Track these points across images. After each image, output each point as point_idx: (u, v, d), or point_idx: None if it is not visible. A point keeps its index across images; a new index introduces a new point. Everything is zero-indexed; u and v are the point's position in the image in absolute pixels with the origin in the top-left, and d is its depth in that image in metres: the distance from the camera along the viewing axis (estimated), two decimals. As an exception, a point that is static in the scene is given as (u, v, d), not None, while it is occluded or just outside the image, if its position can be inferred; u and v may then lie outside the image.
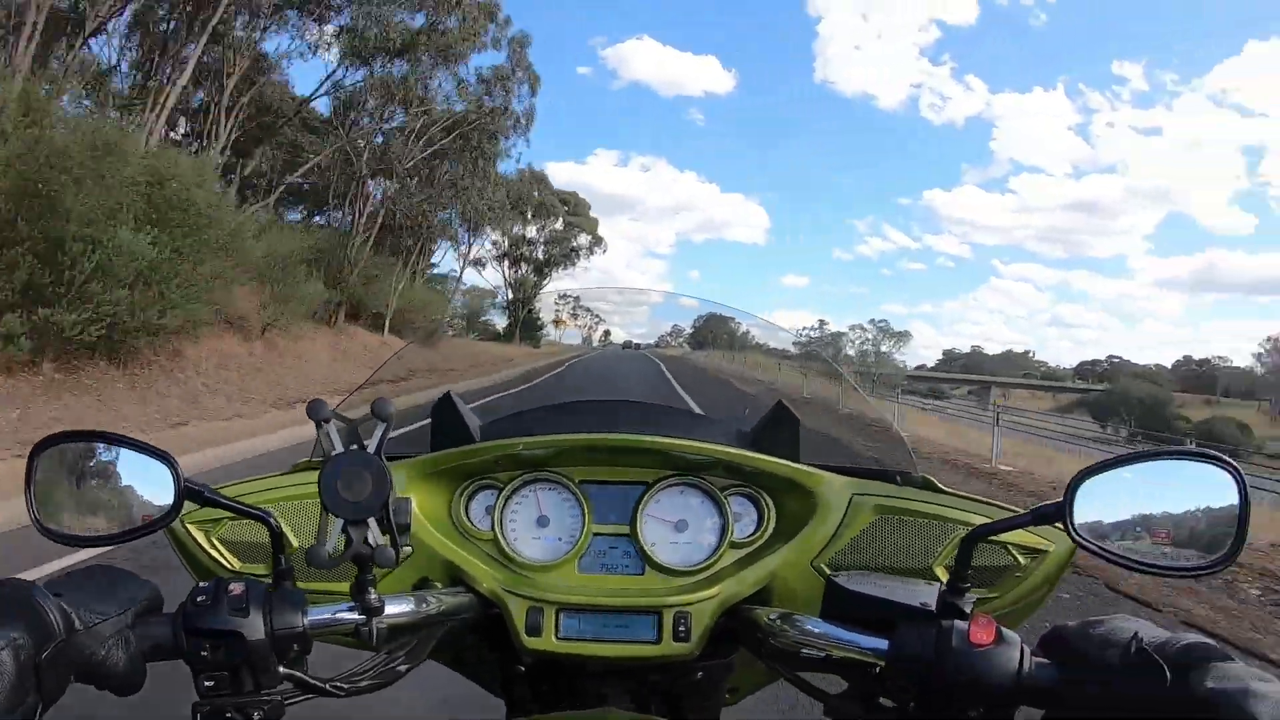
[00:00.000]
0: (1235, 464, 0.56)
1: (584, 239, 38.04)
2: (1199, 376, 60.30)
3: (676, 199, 78.91)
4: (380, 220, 19.54)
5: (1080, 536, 0.56)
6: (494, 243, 36.40)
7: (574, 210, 37.71)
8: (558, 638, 0.70)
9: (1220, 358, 62.75)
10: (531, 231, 37.15)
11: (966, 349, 68.85)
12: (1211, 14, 68.06)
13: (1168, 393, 54.55)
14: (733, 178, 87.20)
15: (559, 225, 37.25)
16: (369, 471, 0.55)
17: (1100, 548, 0.57)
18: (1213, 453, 0.57)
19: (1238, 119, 63.20)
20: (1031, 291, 73.45)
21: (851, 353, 57.73)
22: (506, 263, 37.06)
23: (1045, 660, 0.55)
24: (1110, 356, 66.89)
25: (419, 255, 24.21)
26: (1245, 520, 0.55)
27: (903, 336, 60.32)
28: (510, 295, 34.88)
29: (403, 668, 0.64)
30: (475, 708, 0.87)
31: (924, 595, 0.59)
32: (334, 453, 0.55)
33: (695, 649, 0.70)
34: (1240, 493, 0.56)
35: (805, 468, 0.80)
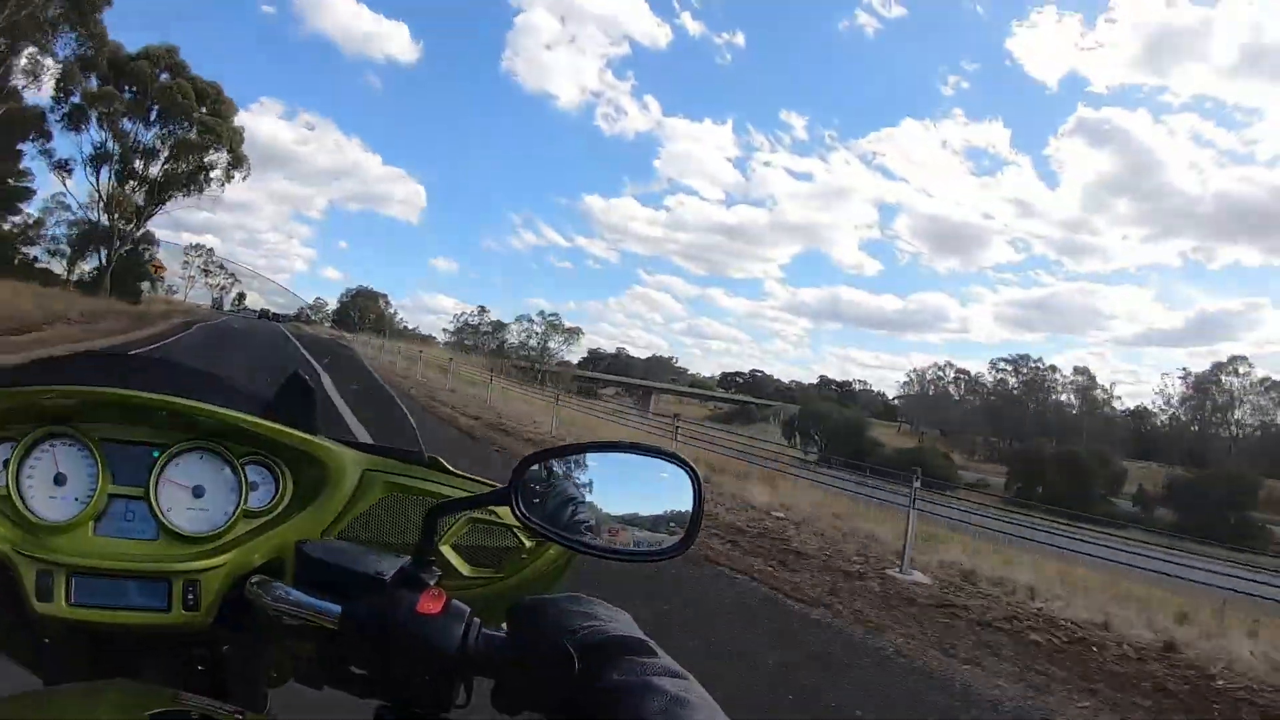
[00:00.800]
0: (693, 465, 0.63)
1: (221, 157, 29.22)
2: (840, 397, 63.30)
3: (336, 164, 74.43)
4: None
5: (525, 516, 0.60)
6: (95, 145, 26.52)
7: (214, 110, 28.96)
8: (69, 603, 0.67)
9: (860, 381, 70.50)
10: (150, 137, 27.48)
11: (611, 349, 70.93)
12: (881, 88, 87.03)
13: (864, 417, 55.56)
14: (398, 151, 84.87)
15: (191, 134, 28.31)
16: None
17: (550, 530, 0.60)
18: (675, 454, 0.63)
19: (881, 179, 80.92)
20: (670, 301, 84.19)
21: (514, 341, 56.63)
22: (106, 174, 26.60)
23: (498, 633, 0.58)
24: (753, 370, 71.71)
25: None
26: (699, 514, 0.62)
27: (574, 333, 57.44)
28: (107, 221, 25.00)
29: None
30: (7, 682, 0.78)
31: (384, 566, 0.62)
32: None
33: (205, 618, 0.69)
34: (696, 490, 0.62)
35: (319, 440, 0.81)
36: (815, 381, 69.50)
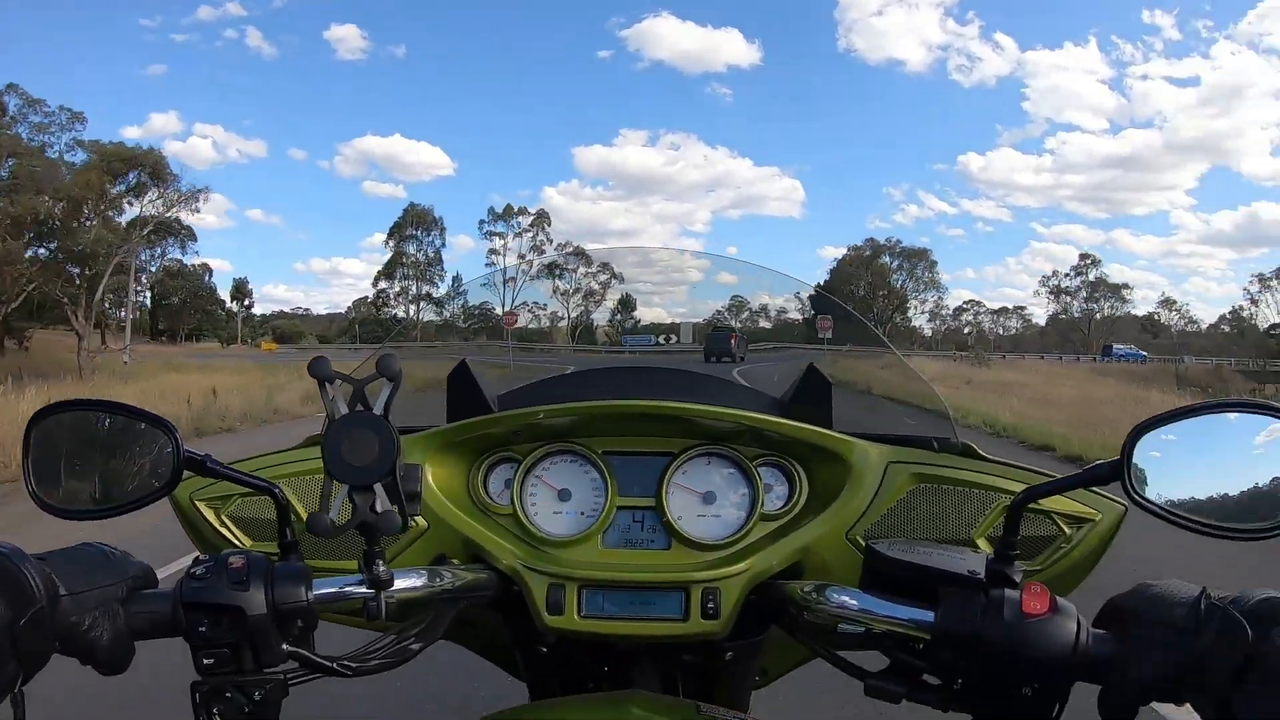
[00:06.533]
0: None
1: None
2: None
3: (709, 176, 76.60)
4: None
5: (1138, 495, 0.53)
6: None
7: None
8: (580, 616, 0.67)
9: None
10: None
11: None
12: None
13: None
14: (765, 152, 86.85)
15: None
16: (375, 434, 0.51)
17: (1159, 508, 0.53)
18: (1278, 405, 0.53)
19: (1277, 64, 61.24)
20: (1073, 253, 69.73)
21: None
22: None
23: (1103, 632, 0.52)
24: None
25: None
26: None
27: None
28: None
29: (415, 646, 0.61)
30: (495, 691, 0.84)
31: (971, 563, 0.56)
32: (338, 415, 0.52)
33: (724, 627, 0.67)
34: None
35: (838, 435, 0.76)
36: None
